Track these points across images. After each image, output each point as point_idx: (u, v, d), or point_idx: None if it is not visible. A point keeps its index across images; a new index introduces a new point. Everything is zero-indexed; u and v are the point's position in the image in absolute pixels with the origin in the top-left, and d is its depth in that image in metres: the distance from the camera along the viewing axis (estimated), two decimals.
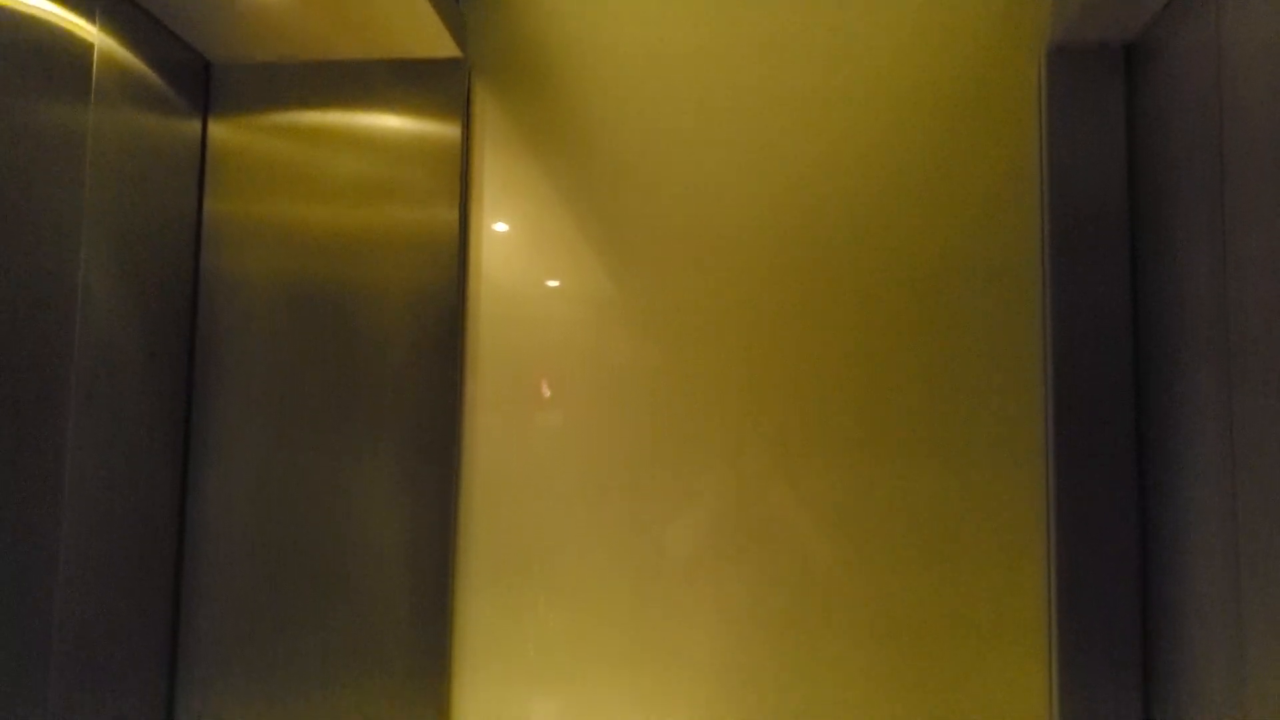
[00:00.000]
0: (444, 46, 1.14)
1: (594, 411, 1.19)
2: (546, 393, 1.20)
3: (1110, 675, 1.08)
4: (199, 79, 1.17)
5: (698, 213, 1.18)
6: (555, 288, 1.19)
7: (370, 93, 1.18)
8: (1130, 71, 1.12)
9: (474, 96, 1.20)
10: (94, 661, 1.02)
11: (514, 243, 1.20)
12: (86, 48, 0.95)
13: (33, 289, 0.89)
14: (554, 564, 1.18)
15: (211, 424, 1.17)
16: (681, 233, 1.18)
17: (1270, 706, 0.86)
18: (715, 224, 1.17)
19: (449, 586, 1.16)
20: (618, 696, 1.16)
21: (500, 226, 1.19)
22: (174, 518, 1.16)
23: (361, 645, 1.15)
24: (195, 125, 1.17)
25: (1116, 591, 1.09)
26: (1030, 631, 1.12)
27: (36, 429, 0.91)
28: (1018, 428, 1.13)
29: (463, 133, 1.17)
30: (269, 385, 1.17)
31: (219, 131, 1.18)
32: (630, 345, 1.18)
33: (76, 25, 0.94)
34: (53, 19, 0.90)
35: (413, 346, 1.15)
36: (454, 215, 1.15)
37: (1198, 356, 0.98)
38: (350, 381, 1.16)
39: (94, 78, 0.96)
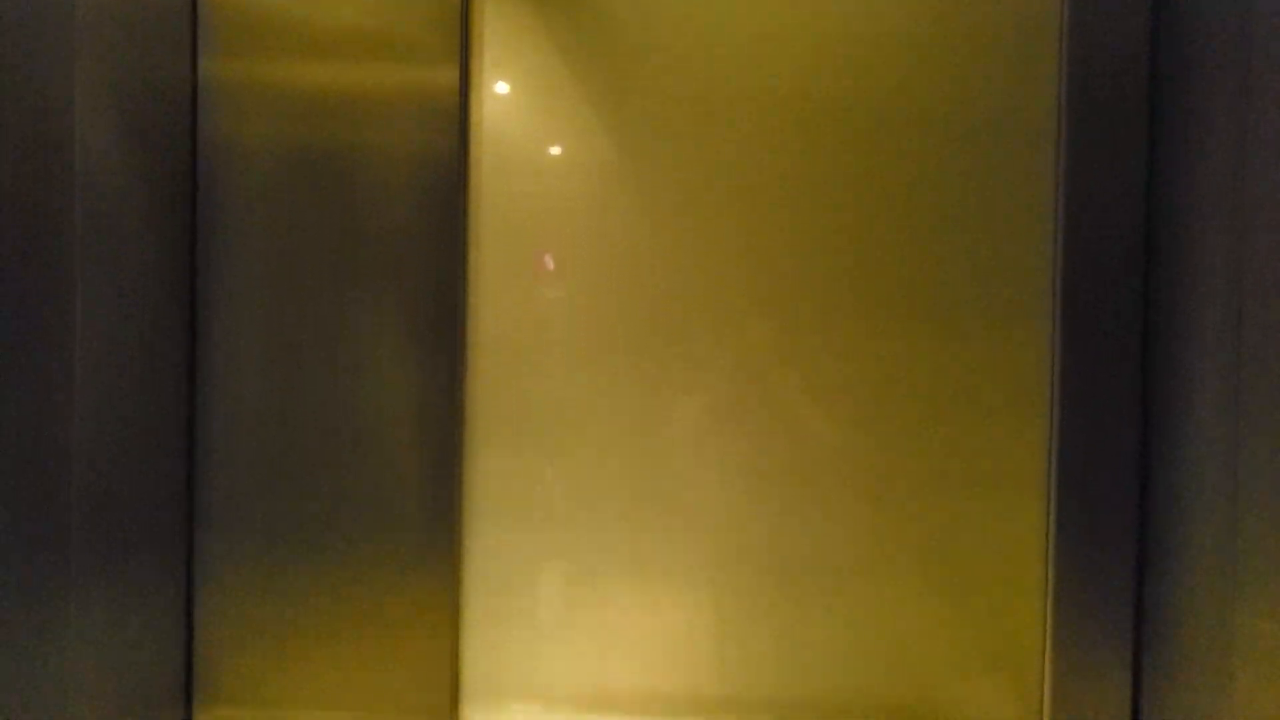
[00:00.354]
0: None
1: (599, 281, 1.19)
2: (550, 265, 1.20)
3: (1107, 526, 1.12)
4: None
5: (706, 75, 1.14)
6: (559, 154, 1.17)
7: None
8: None
9: None
10: (113, 526, 1.06)
11: (516, 105, 1.17)
12: None
13: (29, 153, 0.88)
14: (560, 428, 1.21)
15: (217, 288, 1.18)
16: (689, 97, 1.15)
17: (1262, 540, 0.91)
18: (723, 87, 1.14)
19: (458, 448, 1.20)
20: (623, 551, 1.22)
21: (502, 87, 1.16)
22: (183, 380, 1.18)
23: (373, 503, 1.20)
24: None
25: (1117, 449, 1.12)
26: (1029, 490, 1.15)
27: (42, 296, 0.92)
28: (1024, 292, 1.14)
29: None
30: (272, 251, 1.16)
31: None
32: (635, 214, 1.17)
33: None
34: None
35: (414, 212, 1.14)
36: (454, 74, 1.12)
37: (1211, 228, 0.98)
38: (353, 248, 1.16)
39: None
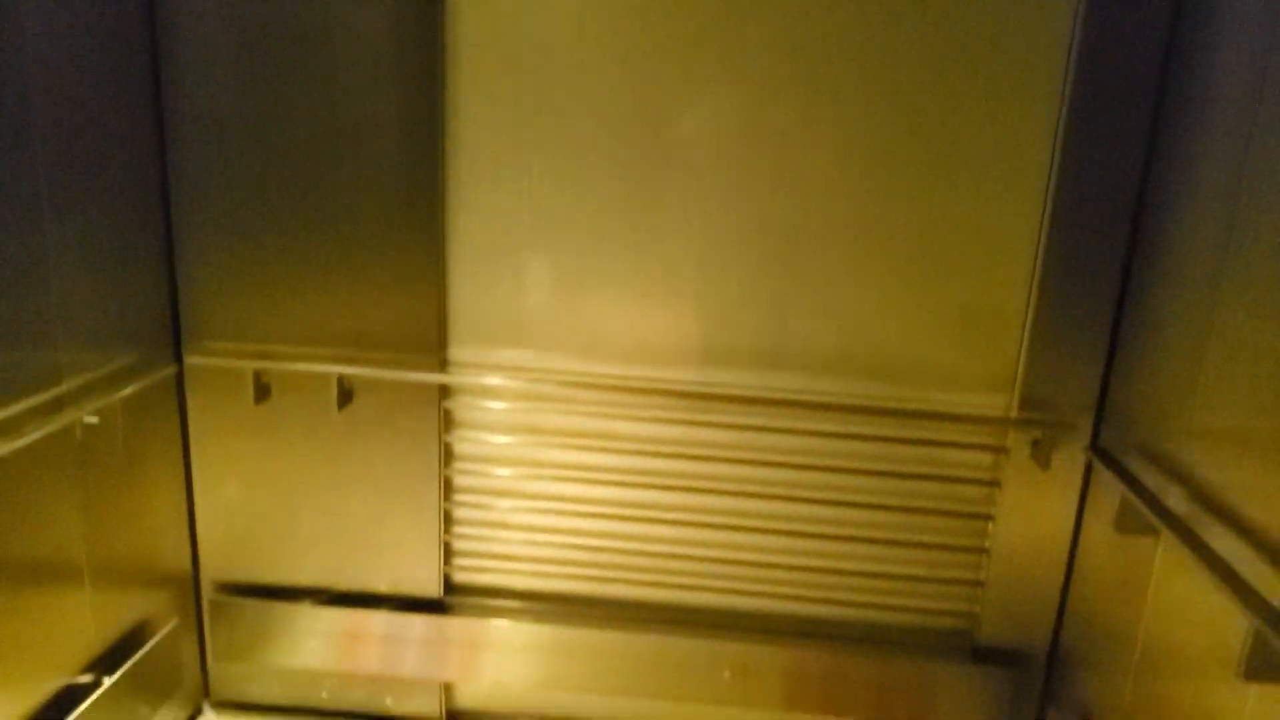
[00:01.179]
0: None
1: None
2: None
3: (1103, 212, 1.14)
4: None
5: None
6: None
7: None
8: None
9: None
10: (82, 161, 1.05)
11: None
12: None
13: None
14: (547, 80, 1.18)
15: None
16: None
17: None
18: None
19: (439, 94, 1.17)
20: (614, 209, 1.23)
21: None
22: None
23: (353, 182, 1.18)
24: None
25: (1125, 135, 1.12)
26: (1030, 173, 1.16)
27: None
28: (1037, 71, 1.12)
29: None
30: None
31: None
32: None
33: None
34: None
35: None
36: None
37: None
38: None
39: None
